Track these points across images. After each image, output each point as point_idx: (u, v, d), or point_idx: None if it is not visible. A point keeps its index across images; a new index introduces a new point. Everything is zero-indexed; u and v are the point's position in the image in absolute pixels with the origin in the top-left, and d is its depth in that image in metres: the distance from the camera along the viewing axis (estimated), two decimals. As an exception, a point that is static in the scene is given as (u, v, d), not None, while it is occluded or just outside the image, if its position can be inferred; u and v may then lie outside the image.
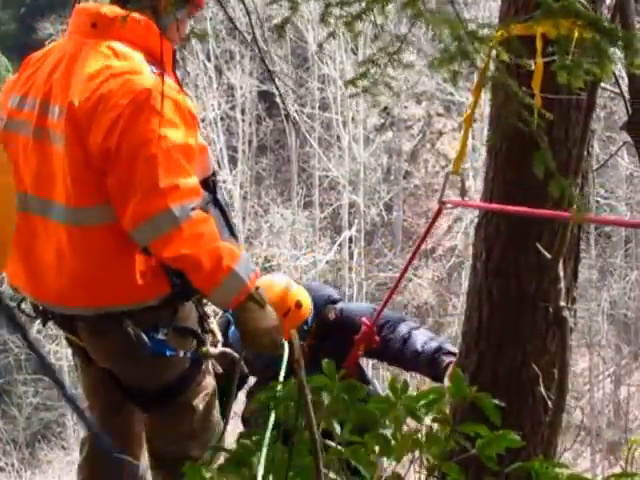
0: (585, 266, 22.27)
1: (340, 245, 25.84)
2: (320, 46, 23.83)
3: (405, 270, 4.01)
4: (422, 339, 3.96)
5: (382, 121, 28.45)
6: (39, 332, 23.69)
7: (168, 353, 2.87)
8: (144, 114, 2.67)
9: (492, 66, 2.54)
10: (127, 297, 2.79)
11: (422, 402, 1.90)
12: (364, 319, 3.93)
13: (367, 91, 2.31)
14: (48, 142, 2.76)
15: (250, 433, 1.90)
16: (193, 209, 2.70)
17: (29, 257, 2.83)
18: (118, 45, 2.77)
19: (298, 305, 3.86)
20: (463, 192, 3.43)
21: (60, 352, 24.21)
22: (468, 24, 2.09)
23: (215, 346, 3.13)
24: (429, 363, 3.91)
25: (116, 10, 2.79)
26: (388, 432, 1.86)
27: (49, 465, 23.13)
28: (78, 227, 2.73)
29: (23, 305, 3.06)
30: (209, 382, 3.09)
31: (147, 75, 2.75)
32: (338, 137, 26.61)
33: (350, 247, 26.13)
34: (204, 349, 3.06)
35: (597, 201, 23.66)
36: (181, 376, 2.94)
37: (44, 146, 2.77)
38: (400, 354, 3.96)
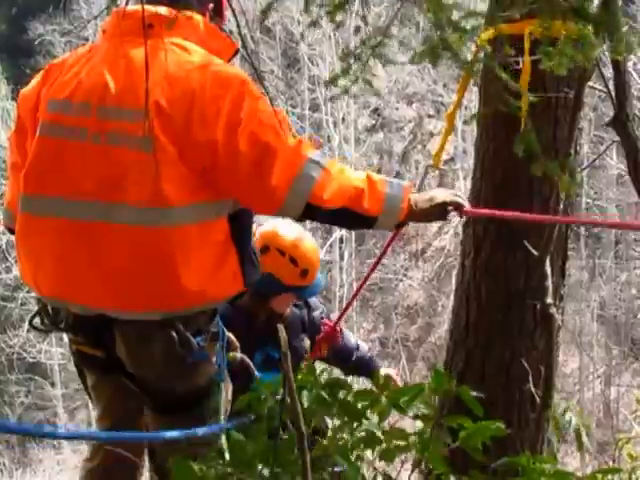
0: (575, 267, 22.35)
1: (331, 245, 25.86)
2: (302, 35, 23.81)
3: (376, 264, 4.03)
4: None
5: (373, 122, 28.48)
6: (29, 332, 23.71)
7: (209, 359, 2.87)
8: (247, 100, 2.70)
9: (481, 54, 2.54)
10: (208, 297, 2.76)
11: (406, 397, 1.91)
12: (325, 320, 3.98)
13: (347, 92, 2.30)
14: (114, 146, 2.68)
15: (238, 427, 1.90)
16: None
17: (82, 265, 2.71)
18: (182, 41, 2.76)
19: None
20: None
21: (50, 351, 24.22)
22: (453, 13, 2.09)
23: (235, 351, 3.17)
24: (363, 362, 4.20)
25: (171, 10, 2.77)
26: (374, 427, 1.87)
27: (40, 464, 23.11)
28: (165, 227, 2.66)
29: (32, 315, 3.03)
30: (230, 389, 3.08)
31: (228, 65, 2.81)
32: (329, 138, 26.64)
33: (341, 247, 26.16)
34: (231, 354, 3.07)
35: (587, 202, 23.74)
36: (210, 380, 2.92)
37: (109, 150, 2.68)
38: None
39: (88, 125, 2.72)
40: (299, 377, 1.96)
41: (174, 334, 2.74)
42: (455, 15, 2.21)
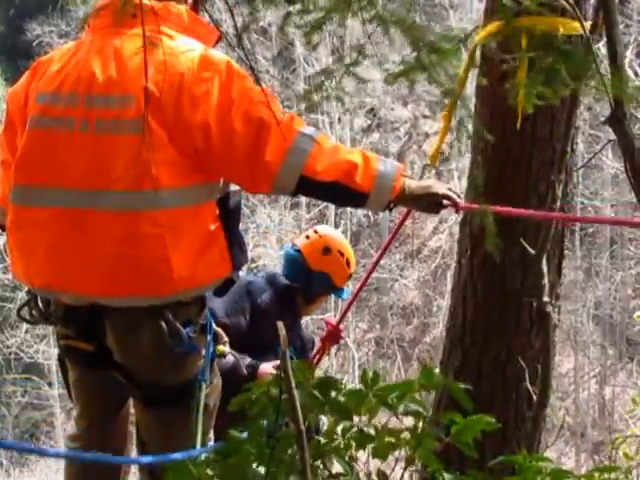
0: (571, 267, 22.35)
1: (327, 246, 25.81)
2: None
3: (375, 265, 4.11)
4: None
5: (369, 122, 28.48)
6: (27, 332, 23.72)
7: (199, 351, 2.87)
8: (235, 81, 2.75)
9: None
10: (196, 280, 2.77)
11: (394, 394, 1.90)
12: (327, 319, 4.11)
13: (318, 106, 2.32)
14: (102, 133, 2.70)
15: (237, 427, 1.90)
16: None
17: (74, 253, 2.71)
18: (166, 29, 2.79)
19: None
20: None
21: (48, 352, 24.19)
22: (432, 35, 2.07)
23: (223, 345, 3.18)
24: None
25: (154, 2, 2.80)
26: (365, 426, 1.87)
27: (37, 464, 23.07)
28: (155, 210, 2.67)
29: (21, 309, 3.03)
30: (219, 382, 3.07)
31: (212, 49, 2.86)
32: (325, 138, 26.62)
33: (337, 248, 26.12)
34: (220, 348, 3.07)
35: (582, 202, 23.75)
36: (199, 373, 2.92)
37: (97, 138, 2.70)
38: None
39: (76, 115, 2.74)
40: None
41: (163, 324, 2.74)
42: (434, 36, 2.19)
